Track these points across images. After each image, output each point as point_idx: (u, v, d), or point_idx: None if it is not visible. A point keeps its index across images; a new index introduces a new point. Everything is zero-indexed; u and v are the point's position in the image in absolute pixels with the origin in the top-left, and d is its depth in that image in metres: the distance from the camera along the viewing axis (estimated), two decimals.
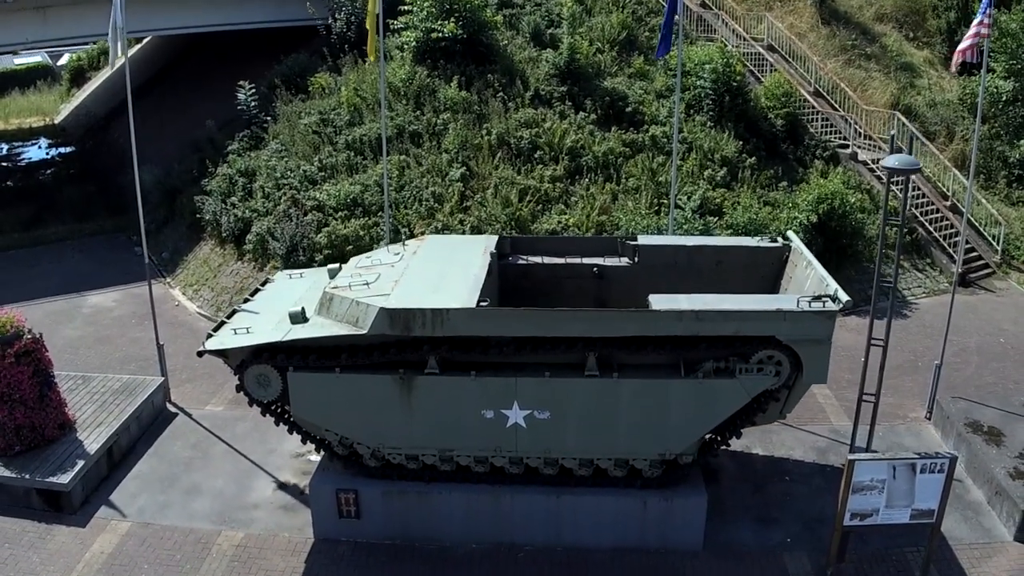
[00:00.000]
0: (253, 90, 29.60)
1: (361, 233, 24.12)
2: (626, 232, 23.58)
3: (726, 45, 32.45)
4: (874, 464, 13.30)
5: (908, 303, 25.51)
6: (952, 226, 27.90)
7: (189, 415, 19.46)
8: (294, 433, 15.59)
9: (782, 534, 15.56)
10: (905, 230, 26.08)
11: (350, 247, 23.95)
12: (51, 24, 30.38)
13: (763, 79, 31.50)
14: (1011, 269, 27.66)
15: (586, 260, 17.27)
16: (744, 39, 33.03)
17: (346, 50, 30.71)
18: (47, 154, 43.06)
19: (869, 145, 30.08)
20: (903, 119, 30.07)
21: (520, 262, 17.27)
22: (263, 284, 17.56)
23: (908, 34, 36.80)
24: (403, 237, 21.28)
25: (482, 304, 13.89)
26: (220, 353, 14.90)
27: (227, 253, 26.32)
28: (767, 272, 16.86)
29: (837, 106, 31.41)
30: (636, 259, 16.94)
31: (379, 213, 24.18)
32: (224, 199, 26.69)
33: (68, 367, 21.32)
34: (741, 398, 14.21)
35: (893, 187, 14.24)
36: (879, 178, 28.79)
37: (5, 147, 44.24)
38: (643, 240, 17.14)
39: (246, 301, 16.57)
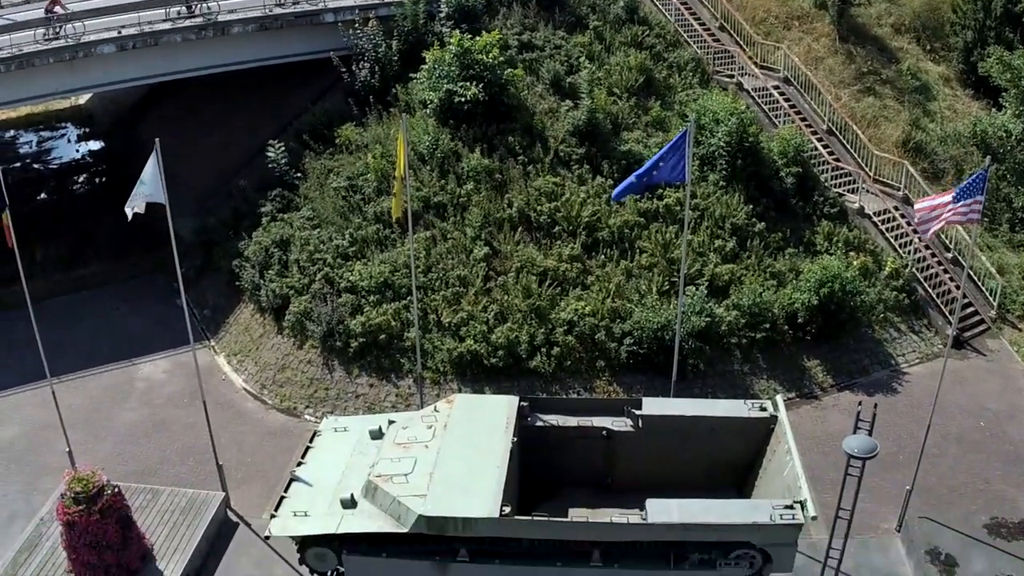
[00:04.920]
0: (283, 147, 32.75)
1: (392, 322, 27.76)
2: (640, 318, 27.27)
3: (741, 85, 35.23)
4: None
5: (900, 373, 29.01)
6: (952, 279, 31.07)
7: (248, 525, 23.56)
8: None
9: None
10: (903, 294, 29.59)
11: (383, 335, 27.67)
12: (78, 74, 33.45)
13: (777, 122, 34.32)
14: (1005, 324, 30.98)
15: (596, 422, 20.95)
16: (758, 77, 35.62)
17: (371, 102, 33.59)
18: (76, 150, 46.31)
19: (878, 190, 33.05)
20: (911, 169, 32.98)
21: (538, 424, 20.98)
22: (312, 439, 21.39)
23: (926, 46, 39.24)
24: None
25: (504, 512, 17.71)
26: None
27: (267, 323, 30.05)
28: (753, 438, 20.51)
29: (848, 146, 34.30)
30: (640, 425, 20.61)
31: (408, 297, 27.69)
32: (261, 271, 30.22)
33: (132, 463, 25.63)
34: None
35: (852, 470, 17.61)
36: (883, 233, 31.95)
37: (35, 140, 47.41)
38: (647, 408, 20.72)
39: (299, 464, 20.48)
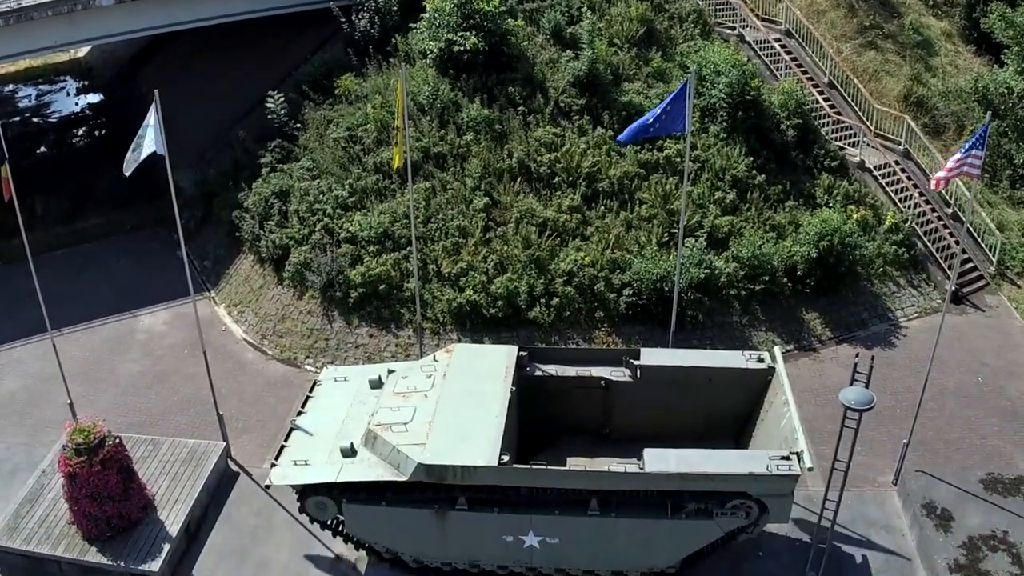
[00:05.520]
0: (282, 97, 32.48)
1: (392, 273, 27.66)
2: (640, 264, 27.23)
3: (743, 37, 34.86)
4: None
5: (898, 327, 28.91)
6: (952, 234, 30.87)
7: (250, 475, 23.57)
8: (348, 543, 19.81)
9: None
10: (903, 248, 29.50)
11: (383, 286, 27.59)
12: (77, 26, 32.95)
13: (778, 75, 34.01)
14: (1004, 281, 30.80)
15: (594, 372, 20.92)
16: (759, 30, 35.23)
17: (371, 52, 33.25)
18: (76, 103, 45.98)
19: (879, 144, 32.80)
20: (912, 124, 32.70)
21: (537, 373, 20.95)
22: (312, 389, 21.41)
23: (929, 1, 38.84)
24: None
25: (502, 460, 17.72)
26: None
27: (267, 274, 29.93)
28: (751, 389, 20.52)
29: (849, 99, 34.02)
30: (639, 375, 20.58)
31: (408, 247, 27.55)
32: (261, 222, 30.06)
33: (133, 414, 25.66)
34: (716, 533, 18.37)
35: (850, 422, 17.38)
36: (883, 187, 31.74)
37: (34, 94, 47.08)
38: (645, 358, 20.70)
39: (300, 414, 20.50)
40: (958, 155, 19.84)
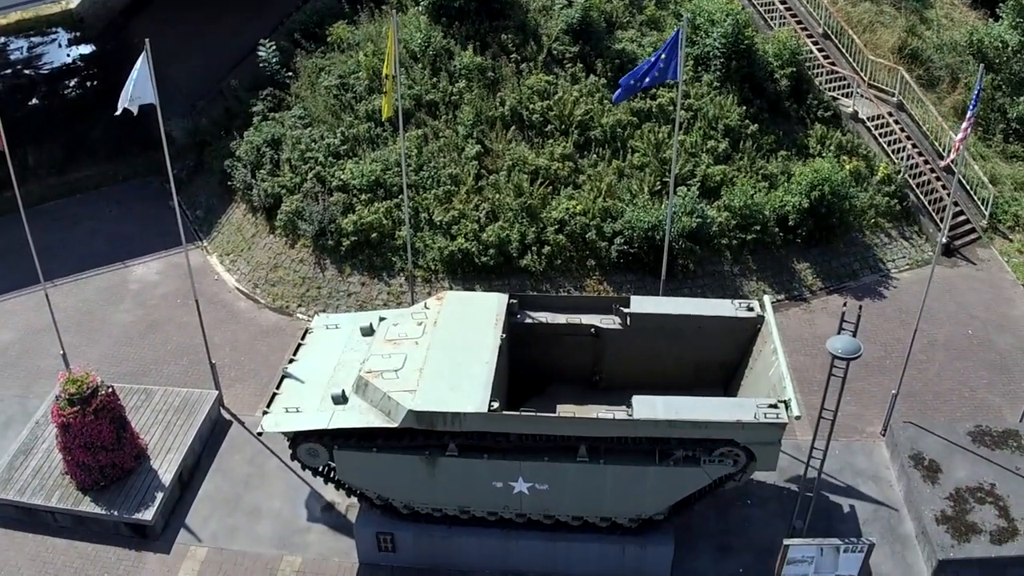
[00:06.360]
0: (274, 46, 32.15)
1: (384, 221, 27.53)
2: (631, 216, 27.11)
3: None
4: (805, 547, 17.43)
5: (889, 278, 28.82)
6: (944, 187, 30.64)
7: (242, 423, 23.58)
8: (339, 489, 19.83)
9: (736, 564, 19.90)
10: (895, 200, 29.37)
11: (375, 234, 27.46)
12: None
13: (772, 25, 33.64)
14: (996, 234, 30.64)
15: (584, 320, 20.83)
16: None
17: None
18: (68, 55, 45.32)
19: (872, 96, 32.51)
20: (906, 75, 32.40)
21: (527, 321, 20.85)
22: (303, 336, 21.32)
23: None
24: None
25: (492, 407, 17.66)
26: None
27: (259, 223, 29.74)
28: (740, 338, 20.43)
29: (844, 50, 33.69)
30: (629, 323, 20.49)
31: (400, 196, 27.36)
32: (253, 171, 29.83)
33: (126, 364, 25.61)
34: (704, 480, 18.34)
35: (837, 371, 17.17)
36: (876, 139, 31.51)
37: (25, 46, 46.35)
38: (635, 306, 20.57)
39: (291, 361, 20.42)
40: (969, 113, 19.79)
